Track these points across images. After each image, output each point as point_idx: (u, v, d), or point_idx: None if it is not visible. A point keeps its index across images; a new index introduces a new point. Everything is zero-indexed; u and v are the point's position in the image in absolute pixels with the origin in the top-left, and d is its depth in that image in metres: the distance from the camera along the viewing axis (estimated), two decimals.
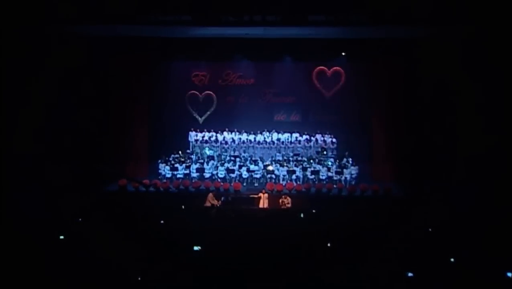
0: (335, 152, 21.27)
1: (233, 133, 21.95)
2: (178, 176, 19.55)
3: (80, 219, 12.49)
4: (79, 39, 18.03)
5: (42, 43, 16.93)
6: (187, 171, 19.61)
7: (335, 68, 22.44)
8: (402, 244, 9.99)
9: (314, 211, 13.71)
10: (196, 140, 22.01)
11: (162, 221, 12.50)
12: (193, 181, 19.30)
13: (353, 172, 19.46)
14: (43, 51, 16.99)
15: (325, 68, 22.52)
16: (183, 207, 14.99)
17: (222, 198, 16.79)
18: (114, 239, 9.97)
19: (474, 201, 14.51)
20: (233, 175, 19.47)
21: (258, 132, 21.85)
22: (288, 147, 21.52)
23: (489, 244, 9.80)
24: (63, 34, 17.47)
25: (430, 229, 11.38)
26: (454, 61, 17.37)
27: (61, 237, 10.50)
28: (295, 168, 19.46)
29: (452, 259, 9.13)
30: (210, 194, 16.93)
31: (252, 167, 19.54)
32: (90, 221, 12.27)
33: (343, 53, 21.71)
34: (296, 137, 21.70)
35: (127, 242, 9.80)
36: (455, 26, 16.23)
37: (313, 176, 19.34)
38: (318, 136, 21.68)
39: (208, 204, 16.53)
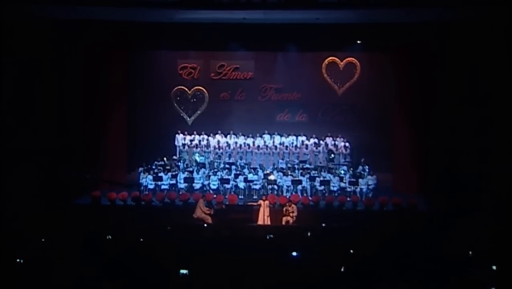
0: (348, 159, 21.26)
1: (228, 136, 21.90)
2: (163, 187, 19.50)
3: (43, 240, 12.26)
4: (40, 22, 17.84)
5: None
6: (173, 181, 19.54)
7: (348, 59, 22.57)
8: (430, 269, 9.79)
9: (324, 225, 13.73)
10: (184, 145, 22.00)
11: (141, 239, 12.44)
12: (181, 193, 19.21)
13: (370, 182, 19.41)
14: None
15: (336, 59, 22.61)
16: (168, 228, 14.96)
17: (215, 206, 17.08)
18: (85, 263, 9.79)
19: None
20: (228, 186, 19.40)
21: (258, 135, 21.88)
22: (293, 153, 21.46)
23: None
24: (20, 16, 17.22)
25: (470, 252, 11.20)
26: (495, 51, 17.24)
27: (18, 260, 10.27)
28: (301, 178, 19.38)
29: None
30: (201, 201, 17.16)
31: (250, 176, 19.48)
32: (56, 242, 12.03)
33: (358, 41, 21.71)
34: (303, 141, 21.71)
35: (101, 267, 9.64)
36: (498, 7, 16.03)
37: (322, 187, 19.31)
38: (329, 140, 21.74)
39: (198, 212, 16.75)
